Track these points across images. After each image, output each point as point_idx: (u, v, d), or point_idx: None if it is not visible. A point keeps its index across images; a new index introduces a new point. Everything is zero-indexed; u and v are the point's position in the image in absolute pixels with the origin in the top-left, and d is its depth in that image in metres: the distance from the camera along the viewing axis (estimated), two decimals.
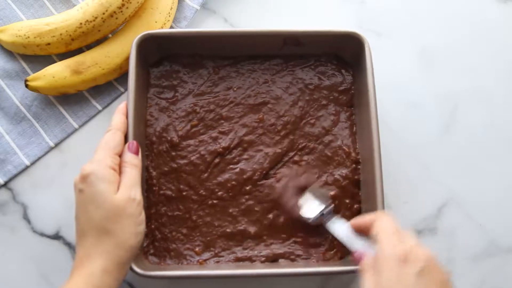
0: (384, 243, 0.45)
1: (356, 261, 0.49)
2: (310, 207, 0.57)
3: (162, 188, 0.59)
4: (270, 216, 0.59)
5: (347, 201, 0.59)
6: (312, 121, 0.62)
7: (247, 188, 0.59)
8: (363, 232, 0.50)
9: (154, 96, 0.62)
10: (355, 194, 0.60)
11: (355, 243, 0.51)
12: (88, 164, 0.51)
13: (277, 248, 0.58)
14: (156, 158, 0.60)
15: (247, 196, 0.59)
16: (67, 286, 0.48)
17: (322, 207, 0.56)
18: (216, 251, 0.58)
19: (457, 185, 0.64)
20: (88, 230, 0.49)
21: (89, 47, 0.65)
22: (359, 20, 0.69)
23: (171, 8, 0.65)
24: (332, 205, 0.57)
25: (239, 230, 0.58)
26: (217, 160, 0.60)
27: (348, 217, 0.59)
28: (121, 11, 0.61)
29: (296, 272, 0.56)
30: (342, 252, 0.58)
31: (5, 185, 0.62)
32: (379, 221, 0.48)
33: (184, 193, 0.59)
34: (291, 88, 0.63)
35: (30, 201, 0.62)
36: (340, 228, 0.54)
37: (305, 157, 0.61)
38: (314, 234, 0.58)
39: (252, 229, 0.58)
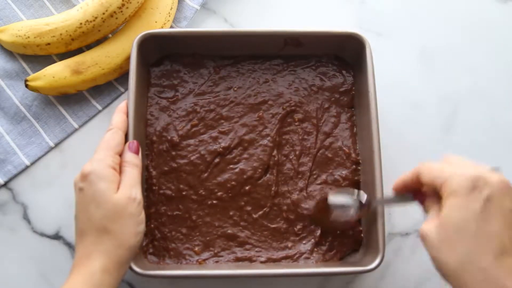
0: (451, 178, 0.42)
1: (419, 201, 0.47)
2: (344, 203, 0.56)
3: (162, 187, 0.59)
4: (273, 222, 0.59)
5: None
6: (313, 122, 0.62)
7: (247, 188, 0.59)
8: (409, 189, 0.49)
9: (154, 95, 0.62)
10: None
11: (407, 200, 0.50)
12: (88, 163, 0.51)
13: (278, 248, 0.58)
14: (156, 157, 0.60)
15: (246, 198, 0.59)
16: (66, 285, 0.48)
17: (352, 195, 0.56)
18: (216, 251, 0.58)
19: None
20: (88, 229, 0.49)
21: (89, 47, 0.65)
22: (359, 21, 0.69)
23: (171, 8, 0.65)
24: (358, 191, 0.56)
25: (238, 235, 0.58)
26: (217, 160, 0.60)
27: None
28: (121, 11, 0.61)
29: (296, 273, 0.56)
30: (342, 252, 0.58)
31: (5, 185, 0.62)
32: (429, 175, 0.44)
33: (184, 193, 0.59)
34: (292, 88, 0.63)
35: (30, 201, 0.62)
36: (386, 202, 0.54)
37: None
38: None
39: (252, 236, 0.58)
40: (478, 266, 0.39)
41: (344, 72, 0.63)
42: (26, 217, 0.62)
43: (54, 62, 0.65)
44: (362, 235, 0.58)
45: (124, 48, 0.62)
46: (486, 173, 0.41)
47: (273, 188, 0.59)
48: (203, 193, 0.59)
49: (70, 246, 0.61)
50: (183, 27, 0.67)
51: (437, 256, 0.42)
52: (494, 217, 0.39)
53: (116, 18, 0.61)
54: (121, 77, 0.65)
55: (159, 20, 0.64)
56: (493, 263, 0.39)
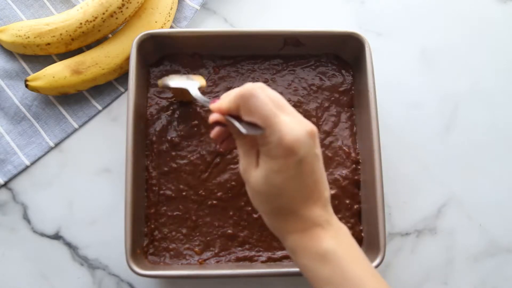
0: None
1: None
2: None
3: (162, 188, 0.59)
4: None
5: (347, 201, 0.59)
6: (313, 121, 0.62)
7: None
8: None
9: (154, 95, 0.62)
10: (355, 194, 0.60)
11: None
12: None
13: (278, 248, 0.58)
14: (156, 158, 0.60)
15: (246, 198, 0.59)
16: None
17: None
18: (216, 251, 0.58)
19: (457, 185, 0.64)
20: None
21: (89, 47, 0.65)
22: (359, 20, 0.69)
23: (171, 8, 0.65)
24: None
25: (239, 235, 0.58)
26: (217, 160, 0.60)
27: (348, 217, 0.59)
28: (121, 11, 0.61)
29: (296, 272, 0.56)
30: None
31: (5, 185, 0.62)
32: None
33: (184, 193, 0.59)
34: (292, 87, 0.63)
35: (30, 201, 0.62)
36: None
37: None
38: None
39: (252, 235, 0.58)
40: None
41: (343, 71, 0.63)
42: (26, 217, 0.62)
43: (54, 62, 0.65)
44: (362, 234, 0.58)
45: (124, 48, 0.62)
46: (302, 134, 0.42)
47: None
48: (203, 193, 0.59)
49: (70, 246, 0.61)
50: (183, 27, 0.67)
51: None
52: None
53: (116, 18, 0.61)
54: (121, 77, 0.65)
55: (159, 20, 0.64)
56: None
